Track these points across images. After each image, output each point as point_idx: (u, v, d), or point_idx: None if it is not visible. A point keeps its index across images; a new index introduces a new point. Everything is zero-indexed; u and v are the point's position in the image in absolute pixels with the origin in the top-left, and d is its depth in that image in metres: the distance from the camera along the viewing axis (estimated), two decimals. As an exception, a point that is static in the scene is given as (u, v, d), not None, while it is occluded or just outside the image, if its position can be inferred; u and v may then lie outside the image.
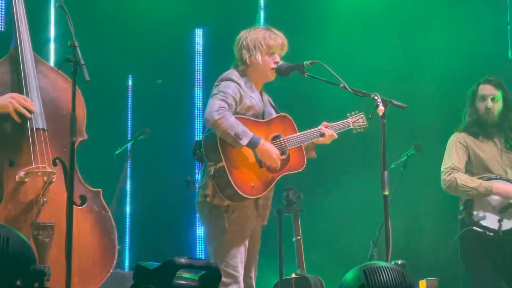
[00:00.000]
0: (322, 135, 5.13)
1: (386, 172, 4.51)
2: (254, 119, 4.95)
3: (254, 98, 4.99)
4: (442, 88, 7.82)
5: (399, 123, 6.93)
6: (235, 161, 4.79)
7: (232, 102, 4.83)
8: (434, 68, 7.95)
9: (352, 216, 7.73)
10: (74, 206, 4.28)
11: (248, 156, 4.85)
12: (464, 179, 5.92)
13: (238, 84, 4.92)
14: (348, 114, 5.32)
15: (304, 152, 5.09)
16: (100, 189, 4.85)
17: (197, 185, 4.95)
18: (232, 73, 4.99)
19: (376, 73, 7.79)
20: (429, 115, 7.79)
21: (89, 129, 4.91)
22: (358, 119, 5.32)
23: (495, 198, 5.88)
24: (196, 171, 7.46)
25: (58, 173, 4.63)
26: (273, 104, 5.19)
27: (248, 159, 4.85)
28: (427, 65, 7.98)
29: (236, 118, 4.80)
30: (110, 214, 4.85)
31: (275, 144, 4.96)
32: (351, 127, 5.31)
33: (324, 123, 5.19)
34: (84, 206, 4.74)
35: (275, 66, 5.04)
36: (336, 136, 5.19)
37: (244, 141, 4.74)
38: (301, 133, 5.09)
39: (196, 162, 5.06)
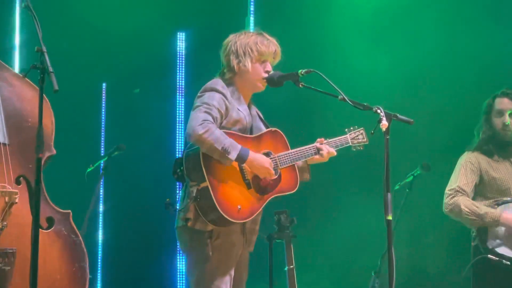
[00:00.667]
0: (318, 152, 5.13)
1: (389, 194, 4.52)
2: (241, 134, 4.94)
3: (242, 111, 5.00)
4: (453, 101, 7.84)
5: (404, 140, 6.96)
6: (220, 181, 4.79)
7: (217, 115, 4.82)
8: (444, 78, 7.98)
9: (351, 243, 7.74)
10: (40, 229, 4.28)
11: (235, 176, 4.85)
12: (469, 205, 5.90)
13: (224, 95, 4.91)
14: (346, 130, 5.33)
15: (297, 172, 5.10)
16: (70, 211, 4.86)
17: (177, 208, 4.95)
18: (217, 82, 4.99)
19: (379, 84, 7.82)
20: (438, 131, 7.81)
21: (58, 144, 4.93)
22: (357, 135, 5.33)
23: (511, 224, 5.88)
24: (177, 192, 7.47)
25: (21, 192, 4.63)
26: (263, 118, 5.20)
27: (234, 178, 4.85)
28: (436, 75, 8.01)
29: (221, 133, 4.81)
30: (80, 238, 4.85)
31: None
32: (350, 144, 5.31)
33: (320, 139, 5.19)
34: (51, 229, 4.74)
35: (266, 75, 5.04)
36: (335, 153, 5.19)
37: (233, 155, 4.73)
38: (294, 150, 5.09)
39: (177, 181, 5.05)
